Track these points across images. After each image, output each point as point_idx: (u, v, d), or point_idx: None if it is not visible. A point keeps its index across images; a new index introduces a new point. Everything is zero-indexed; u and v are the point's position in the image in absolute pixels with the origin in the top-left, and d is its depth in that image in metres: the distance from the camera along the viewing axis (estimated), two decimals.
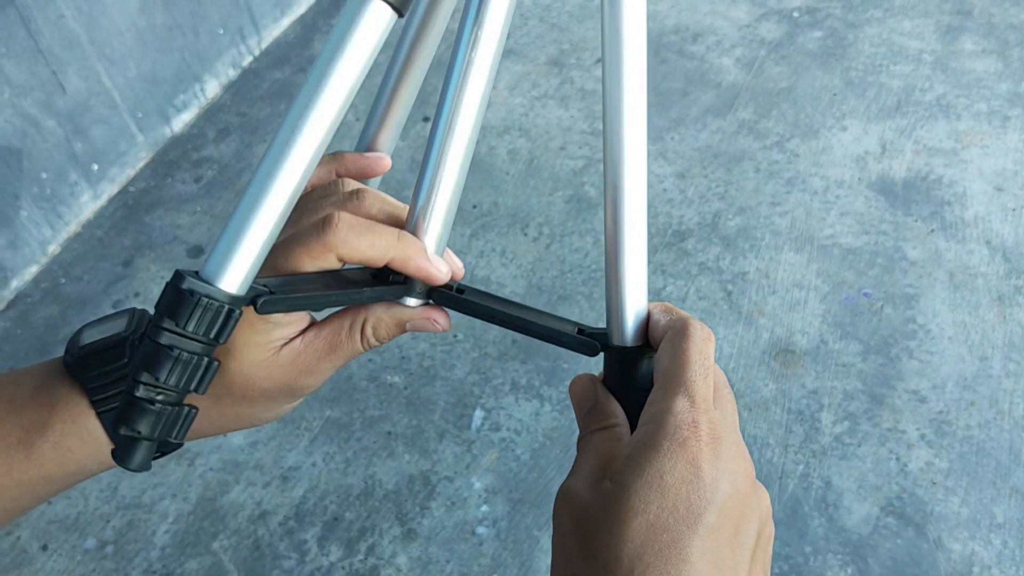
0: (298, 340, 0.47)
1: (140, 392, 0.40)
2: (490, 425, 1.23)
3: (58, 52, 1.43)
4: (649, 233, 1.44)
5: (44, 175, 1.46)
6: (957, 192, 1.47)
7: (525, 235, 1.46)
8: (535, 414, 1.23)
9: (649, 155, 1.57)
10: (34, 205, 1.45)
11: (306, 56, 1.89)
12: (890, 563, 1.07)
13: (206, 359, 0.40)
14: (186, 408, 0.42)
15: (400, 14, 0.41)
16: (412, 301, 0.48)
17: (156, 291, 1.42)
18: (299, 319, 0.47)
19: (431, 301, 0.49)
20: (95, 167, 1.55)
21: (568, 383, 1.26)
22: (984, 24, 1.78)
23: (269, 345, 0.46)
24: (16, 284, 1.46)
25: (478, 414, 1.24)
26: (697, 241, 1.43)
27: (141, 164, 1.66)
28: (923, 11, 1.83)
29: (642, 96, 0.45)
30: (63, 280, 1.48)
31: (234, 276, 0.40)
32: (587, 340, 0.49)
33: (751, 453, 1.18)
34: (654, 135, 1.60)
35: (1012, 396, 1.21)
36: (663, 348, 0.45)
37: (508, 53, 1.78)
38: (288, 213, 0.42)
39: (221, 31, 1.76)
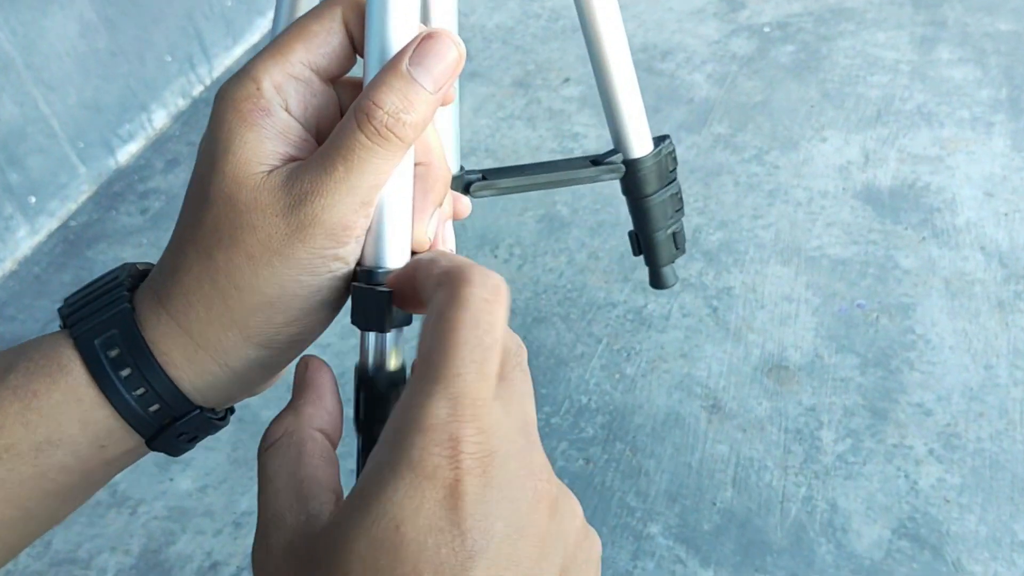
0: (293, 162, 0.36)
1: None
2: None
3: None
4: (626, 250, 1.36)
5: None
6: (946, 199, 1.40)
7: (495, 257, 1.37)
8: None
9: None
10: None
11: None
12: None
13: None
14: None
15: (408, 324, 0.38)
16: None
17: None
18: (301, 139, 0.36)
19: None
20: (32, 200, 1.45)
21: (545, 409, 1.17)
22: (959, 34, 1.74)
23: (261, 154, 0.35)
24: None
25: None
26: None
27: (83, 197, 1.55)
28: (896, 23, 1.78)
29: None
30: None
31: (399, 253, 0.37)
32: (609, 165, 0.51)
33: (747, 477, 1.08)
34: None
35: (1022, 405, 1.12)
36: (427, 321, 0.31)
37: (472, 75, 1.71)
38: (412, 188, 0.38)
39: (169, 58, 1.68)
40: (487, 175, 0.52)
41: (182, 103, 1.74)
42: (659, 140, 0.60)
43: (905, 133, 1.52)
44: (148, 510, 1.10)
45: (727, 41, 1.77)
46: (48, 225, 1.49)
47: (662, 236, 0.59)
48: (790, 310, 1.26)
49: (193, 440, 0.38)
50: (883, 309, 1.25)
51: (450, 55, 0.35)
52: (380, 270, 0.36)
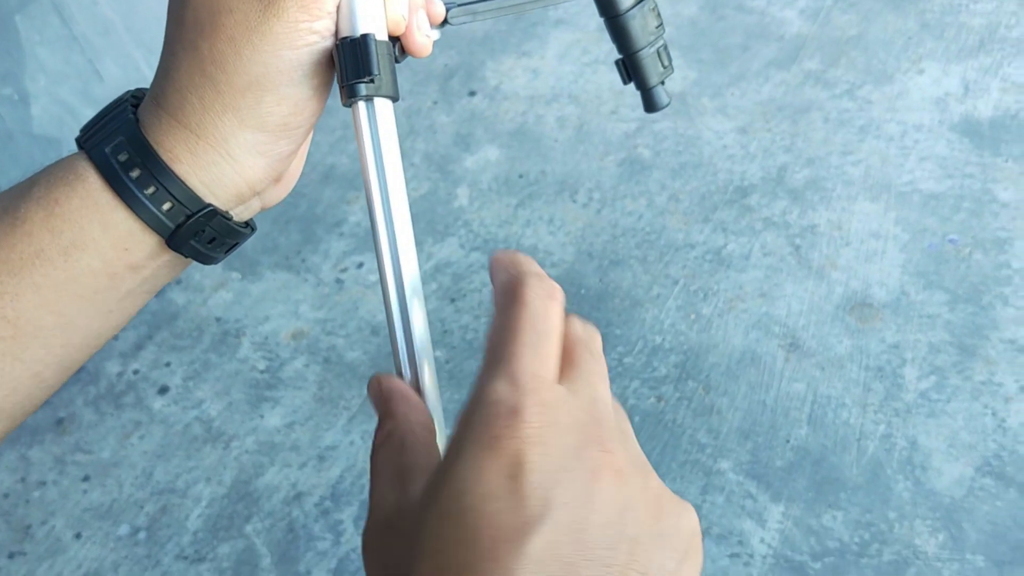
0: None
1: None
2: None
3: (93, 39, 1.41)
4: (708, 191, 1.34)
5: None
6: None
7: (574, 202, 1.37)
8: None
9: (707, 112, 1.47)
10: None
11: None
12: (988, 528, 0.94)
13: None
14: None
15: (395, 100, 0.40)
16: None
17: (197, 278, 1.38)
18: None
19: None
20: None
21: (619, 349, 1.17)
22: None
23: None
24: None
25: None
26: (761, 196, 1.32)
27: None
28: None
29: None
30: None
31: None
32: None
33: (824, 414, 1.06)
34: (712, 92, 1.50)
35: None
36: (493, 320, 0.35)
37: (557, 23, 1.71)
38: None
39: None
40: (461, 4, 0.53)
41: None
42: None
43: (1010, 61, 1.44)
44: (240, 444, 1.16)
45: None
46: None
47: (647, 53, 0.58)
48: (877, 247, 1.22)
49: (213, 242, 0.41)
50: (977, 244, 1.19)
51: None
52: (356, 36, 0.38)
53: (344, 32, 0.38)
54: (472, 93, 1.60)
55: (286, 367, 1.23)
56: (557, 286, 0.36)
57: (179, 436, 1.19)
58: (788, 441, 1.04)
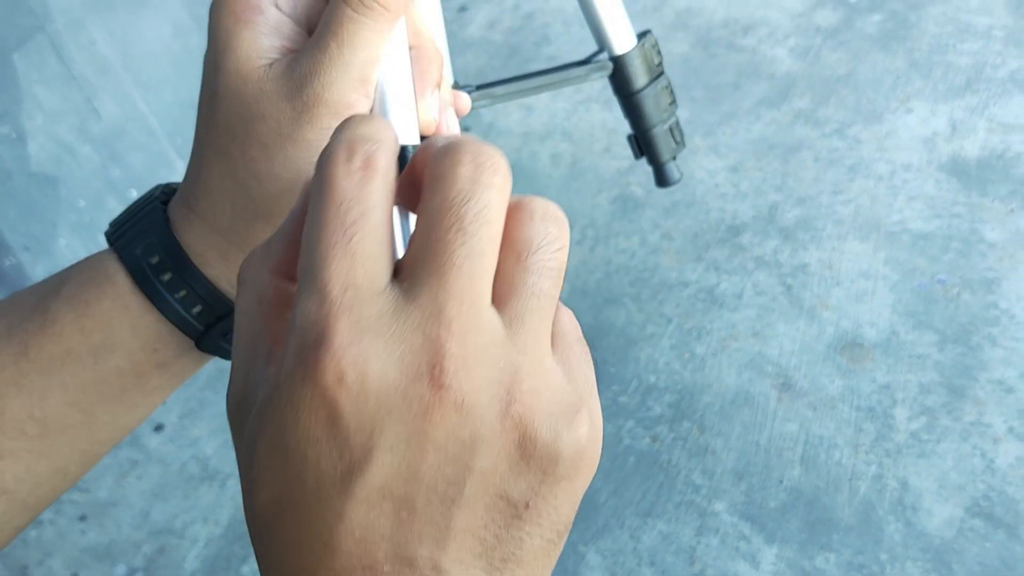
0: (291, 54, 0.37)
1: None
2: None
3: (91, 78, 1.42)
4: (700, 229, 1.36)
5: (82, 202, 1.45)
6: None
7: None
8: None
9: (699, 150, 1.49)
10: (73, 233, 1.44)
11: None
12: (978, 569, 0.95)
13: None
14: None
15: None
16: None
17: None
18: (295, 32, 0.38)
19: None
20: (133, 192, 1.54)
21: (613, 388, 1.18)
22: None
23: (259, 48, 0.36)
24: None
25: None
26: (753, 235, 1.34)
27: None
28: None
29: None
30: None
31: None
32: (597, 63, 0.50)
33: (816, 455, 1.07)
34: (704, 130, 1.52)
35: None
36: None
37: (551, 60, 1.73)
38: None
39: None
40: (481, 87, 0.54)
41: None
42: (641, 35, 0.59)
43: (996, 101, 1.46)
44: (235, 484, 1.17)
45: (811, 13, 1.73)
46: None
47: (660, 131, 0.59)
48: (867, 287, 1.24)
49: None
50: (965, 284, 1.21)
51: None
52: None
53: None
54: (466, 129, 1.61)
55: None
56: (382, 140, 0.26)
57: (176, 475, 1.19)
58: (781, 482, 1.05)
